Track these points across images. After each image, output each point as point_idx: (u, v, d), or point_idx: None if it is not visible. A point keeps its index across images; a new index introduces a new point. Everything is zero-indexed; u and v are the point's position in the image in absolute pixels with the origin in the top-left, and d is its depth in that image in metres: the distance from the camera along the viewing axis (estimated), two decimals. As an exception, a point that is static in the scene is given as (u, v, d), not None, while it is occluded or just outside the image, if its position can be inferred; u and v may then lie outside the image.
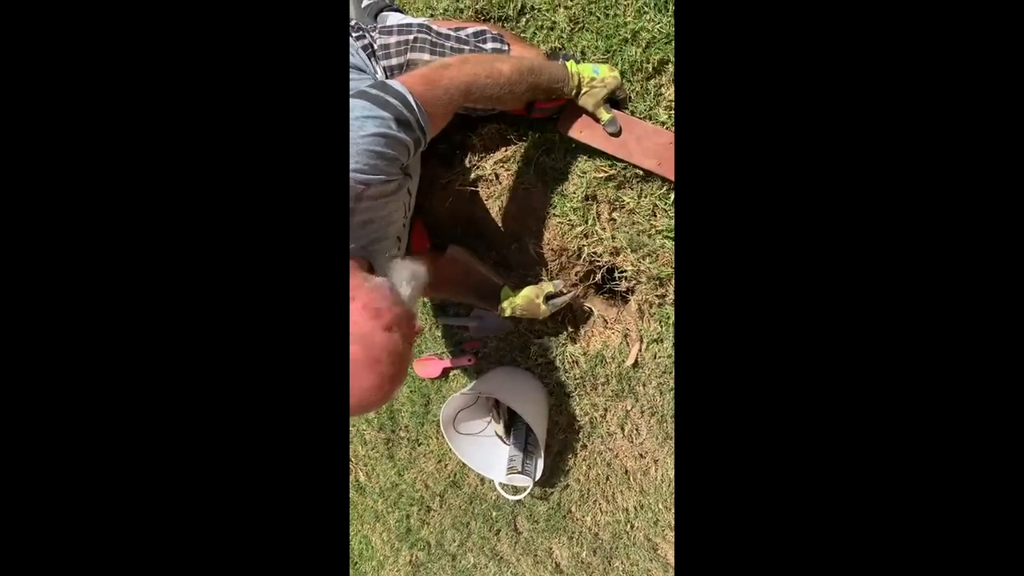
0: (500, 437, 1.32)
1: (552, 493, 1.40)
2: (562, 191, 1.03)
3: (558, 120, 0.95)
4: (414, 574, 1.74)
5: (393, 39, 0.85)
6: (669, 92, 0.92)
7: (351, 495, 1.77)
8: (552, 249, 1.10)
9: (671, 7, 0.87)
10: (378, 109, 0.64)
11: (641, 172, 0.95)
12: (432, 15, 1.07)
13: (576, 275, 1.13)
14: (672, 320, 1.07)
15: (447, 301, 1.33)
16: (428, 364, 1.40)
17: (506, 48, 0.90)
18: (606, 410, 1.23)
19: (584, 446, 1.30)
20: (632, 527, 1.33)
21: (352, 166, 0.62)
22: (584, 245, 1.06)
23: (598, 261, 1.09)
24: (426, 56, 0.85)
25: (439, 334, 1.39)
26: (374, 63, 0.86)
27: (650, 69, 0.91)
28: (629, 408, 1.20)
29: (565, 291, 1.06)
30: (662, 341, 1.10)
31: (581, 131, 0.93)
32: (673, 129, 0.91)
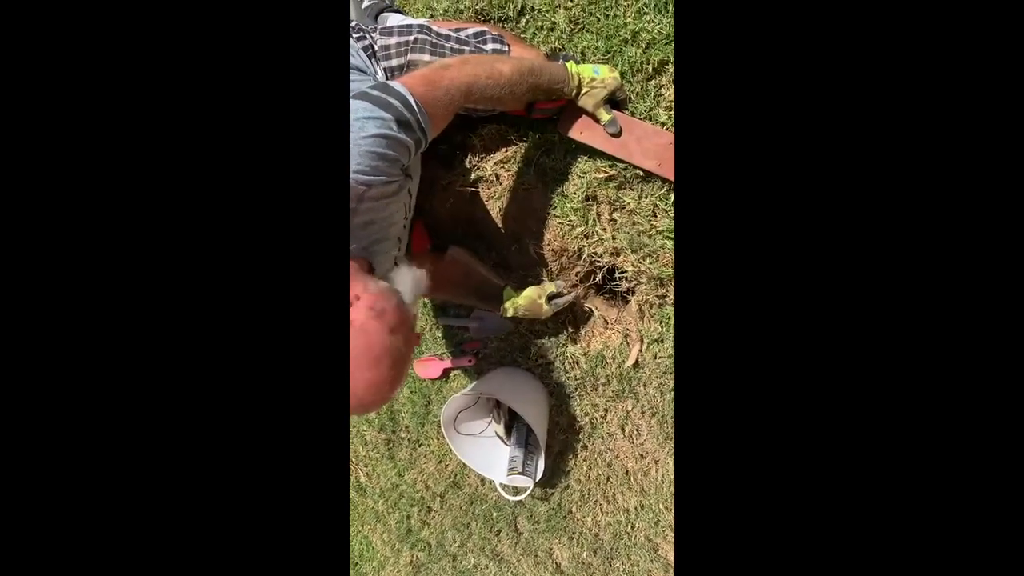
0: (501, 438, 1.32)
1: (553, 494, 1.40)
2: (562, 192, 1.03)
3: (558, 121, 0.95)
4: (415, 575, 1.74)
5: (393, 40, 0.86)
6: (669, 93, 0.92)
7: (351, 496, 1.77)
8: (552, 250, 1.10)
9: (671, 8, 0.87)
10: (379, 110, 0.64)
11: (641, 173, 0.95)
12: (432, 16, 1.07)
13: (576, 276, 1.13)
14: (672, 320, 1.07)
15: (448, 302, 1.33)
16: (428, 365, 1.40)
17: (506, 49, 0.90)
18: (607, 410, 1.23)
19: (585, 447, 1.30)
20: (633, 528, 1.32)
21: (353, 167, 0.62)
22: (584, 246, 1.06)
23: (598, 262, 1.09)
24: (426, 57, 0.85)
25: (439, 335, 1.39)
26: (374, 64, 0.86)
27: (650, 70, 0.91)
28: (630, 408, 1.20)
29: (567, 291, 1.06)
30: (662, 341, 1.10)
31: (581, 132, 0.93)
32: (673, 130, 0.91)
